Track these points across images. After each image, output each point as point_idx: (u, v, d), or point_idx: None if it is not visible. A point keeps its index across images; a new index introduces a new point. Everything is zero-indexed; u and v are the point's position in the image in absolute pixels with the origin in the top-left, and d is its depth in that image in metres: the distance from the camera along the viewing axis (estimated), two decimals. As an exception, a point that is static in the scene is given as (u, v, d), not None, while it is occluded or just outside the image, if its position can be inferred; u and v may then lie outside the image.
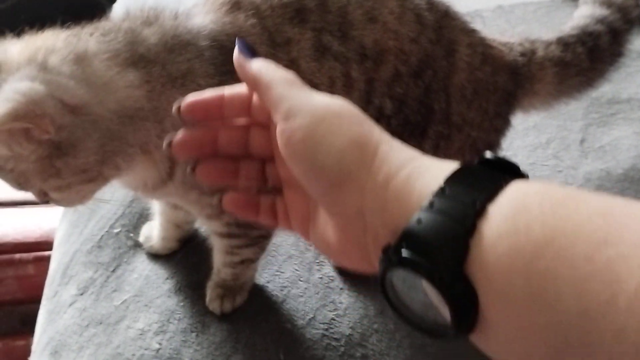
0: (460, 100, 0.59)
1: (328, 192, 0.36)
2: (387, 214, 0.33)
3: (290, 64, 0.53)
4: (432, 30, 0.57)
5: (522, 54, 0.64)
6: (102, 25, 0.52)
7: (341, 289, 0.67)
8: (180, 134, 0.40)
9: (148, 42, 0.51)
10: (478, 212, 0.29)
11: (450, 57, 0.58)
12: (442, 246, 0.29)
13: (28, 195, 0.52)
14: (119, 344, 0.61)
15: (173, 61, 0.51)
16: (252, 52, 0.43)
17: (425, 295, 0.31)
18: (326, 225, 0.38)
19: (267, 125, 0.41)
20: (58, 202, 0.52)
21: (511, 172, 0.32)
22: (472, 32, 0.61)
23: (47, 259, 1.05)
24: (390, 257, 0.31)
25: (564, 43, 0.66)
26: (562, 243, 0.26)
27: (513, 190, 0.29)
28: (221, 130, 0.43)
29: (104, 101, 0.48)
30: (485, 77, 0.60)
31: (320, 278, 0.68)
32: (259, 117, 0.41)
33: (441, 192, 0.30)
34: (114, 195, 0.76)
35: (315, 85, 0.54)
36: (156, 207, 0.70)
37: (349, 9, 0.54)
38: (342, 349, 0.61)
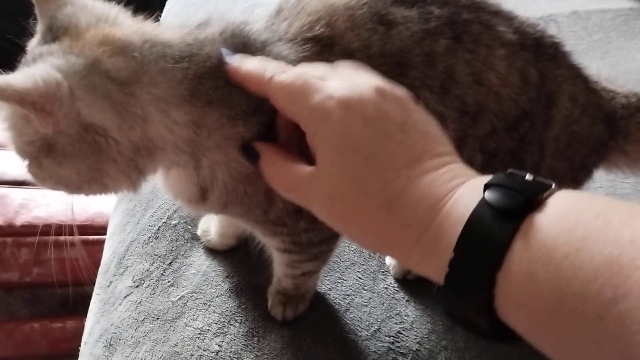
0: (553, 152, 0.55)
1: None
2: (425, 271, 0.37)
3: None
4: (535, 87, 0.52)
5: (624, 107, 0.58)
6: (185, 39, 0.45)
7: (407, 300, 0.64)
8: None
9: (221, 81, 0.45)
10: (490, 284, 0.32)
11: (548, 110, 0.54)
12: (467, 306, 0.34)
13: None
14: (177, 342, 0.59)
15: (240, 106, 0.45)
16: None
17: None
18: None
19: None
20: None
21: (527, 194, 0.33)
22: (576, 80, 0.55)
23: (92, 243, 1.04)
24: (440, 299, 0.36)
25: None
26: (573, 305, 0.29)
27: (517, 255, 0.31)
28: None
29: (128, 131, 0.43)
30: (581, 130, 0.55)
31: (385, 288, 0.65)
32: None
33: (451, 263, 0.33)
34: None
35: None
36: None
37: (457, 68, 0.49)
38: (409, 365, 0.58)
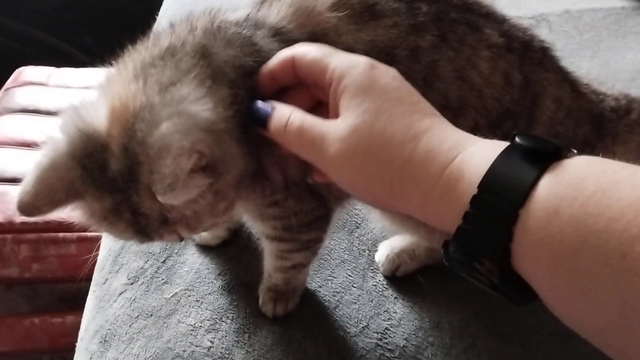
0: None
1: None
2: (437, 222, 0.37)
3: None
4: (518, 88, 0.54)
5: (613, 110, 0.59)
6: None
7: (395, 298, 0.65)
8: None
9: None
10: (512, 220, 0.31)
11: (532, 111, 0.55)
12: (485, 253, 0.33)
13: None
14: (170, 339, 0.60)
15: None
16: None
17: None
18: None
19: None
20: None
21: (544, 152, 0.33)
22: (562, 84, 0.57)
23: (90, 240, 1.06)
24: (448, 254, 0.35)
25: None
26: (595, 243, 0.28)
27: (543, 191, 0.31)
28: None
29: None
30: (566, 131, 0.57)
31: (375, 285, 0.66)
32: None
33: (475, 200, 0.33)
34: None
35: None
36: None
37: (440, 63, 0.51)
38: (396, 361, 0.60)
